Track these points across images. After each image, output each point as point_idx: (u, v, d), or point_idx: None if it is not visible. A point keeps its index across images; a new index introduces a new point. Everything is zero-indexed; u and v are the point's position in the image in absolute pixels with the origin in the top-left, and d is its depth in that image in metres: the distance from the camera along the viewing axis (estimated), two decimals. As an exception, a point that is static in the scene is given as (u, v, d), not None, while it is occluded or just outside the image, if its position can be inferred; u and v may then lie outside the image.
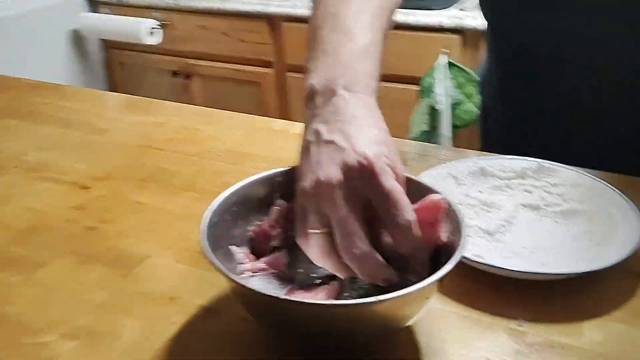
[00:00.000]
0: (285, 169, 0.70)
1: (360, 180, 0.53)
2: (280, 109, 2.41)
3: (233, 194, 0.66)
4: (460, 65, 1.95)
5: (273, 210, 0.67)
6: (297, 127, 1.10)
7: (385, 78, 2.15)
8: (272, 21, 2.35)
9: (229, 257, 0.64)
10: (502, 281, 0.69)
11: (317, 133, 0.58)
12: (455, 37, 1.93)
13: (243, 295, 0.57)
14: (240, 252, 0.65)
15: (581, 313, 0.65)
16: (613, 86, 0.92)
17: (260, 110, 2.40)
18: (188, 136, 1.09)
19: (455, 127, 2.02)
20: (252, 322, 0.60)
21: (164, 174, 0.96)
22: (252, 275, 0.63)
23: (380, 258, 0.54)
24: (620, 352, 0.60)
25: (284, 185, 0.69)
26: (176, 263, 0.75)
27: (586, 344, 0.61)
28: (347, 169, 0.54)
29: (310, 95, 0.60)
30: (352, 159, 0.54)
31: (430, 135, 2.05)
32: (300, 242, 0.57)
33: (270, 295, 0.52)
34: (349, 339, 0.56)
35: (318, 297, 0.58)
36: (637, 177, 0.89)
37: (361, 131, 0.56)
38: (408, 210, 0.53)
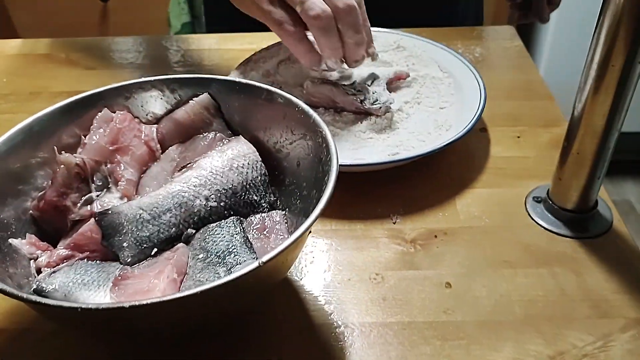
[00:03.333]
0: (51, 108, 0.49)
1: None
2: (1, 34, 1.93)
3: (-14, 163, 0.44)
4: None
5: (57, 172, 0.47)
6: (43, 45, 0.84)
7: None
8: None
9: (11, 256, 0.43)
10: (359, 180, 0.59)
11: None
12: None
13: (54, 315, 0.38)
14: (26, 244, 0.44)
15: (446, 189, 0.59)
16: None
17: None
18: None
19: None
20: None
21: None
22: (54, 272, 0.44)
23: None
24: (494, 215, 0.55)
25: (57, 131, 0.48)
26: None
27: (464, 221, 0.55)
28: None
29: None
30: None
31: (194, 26, 1.83)
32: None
33: (84, 308, 0.33)
34: (222, 318, 0.42)
35: (165, 277, 0.42)
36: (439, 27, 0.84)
37: None
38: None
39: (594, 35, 0.45)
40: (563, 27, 1.65)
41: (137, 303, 0.33)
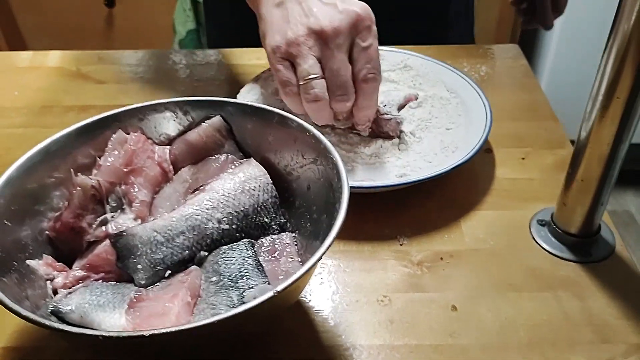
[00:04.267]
0: (67, 130, 0.50)
1: (355, 30, 0.56)
2: (8, 37, 1.94)
3: (5, 186, 0.45)
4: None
5: (73, 194, 0.48)
6: (54, 57, 0.85)
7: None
8: None
9: (29, 277, 0.44)
10: (365, 201, 0.60)
11: None
12: None
13: (67, 337, 0.39)
14: (42, 265, 0.45)
15: (452, 210, 0.60)
16: None
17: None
18: None
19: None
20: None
21: None
22: (70, 293, 0.45)
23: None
24: (499, 238, 0.57)
25: (72, 152, 0.49)
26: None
27: (469, 243, 0.56)
28: (347, 19, 0.55)
29: None
30: (350, 10, 0.55)
31: (199, 33, 1.84)
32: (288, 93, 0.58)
33: (105, 336, 0.34)
34: (232, 340, 0.43)
35: (179, 300, 0.43)
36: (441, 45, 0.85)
37: None
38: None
39: (600, 65, 0.46)
40: (565, 39, 1.67)
41: (157, 332, 0.34)
